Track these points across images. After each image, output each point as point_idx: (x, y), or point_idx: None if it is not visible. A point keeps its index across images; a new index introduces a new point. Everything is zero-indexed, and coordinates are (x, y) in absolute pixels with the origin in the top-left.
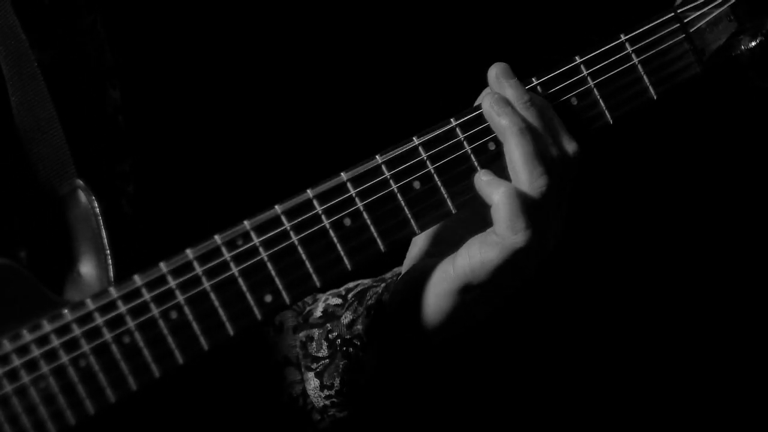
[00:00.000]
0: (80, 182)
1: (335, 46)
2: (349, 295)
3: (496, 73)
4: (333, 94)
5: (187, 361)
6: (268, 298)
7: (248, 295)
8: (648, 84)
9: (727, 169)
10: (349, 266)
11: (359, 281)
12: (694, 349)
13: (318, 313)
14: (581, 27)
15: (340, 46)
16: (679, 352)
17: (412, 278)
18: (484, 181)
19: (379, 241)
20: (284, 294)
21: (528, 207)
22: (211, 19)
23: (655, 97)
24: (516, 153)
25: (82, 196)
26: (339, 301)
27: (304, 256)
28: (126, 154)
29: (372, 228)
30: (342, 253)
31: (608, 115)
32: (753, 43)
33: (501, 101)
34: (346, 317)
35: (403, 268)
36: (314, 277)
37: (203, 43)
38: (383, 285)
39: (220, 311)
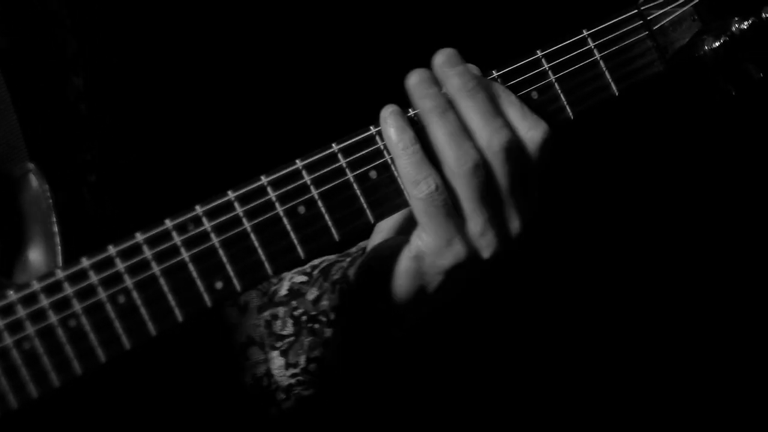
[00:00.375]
0: (32, 165)
1: (289, 33)
2: (315, 272)
3: (441, 61)
4: (293, 81)
5: (135, 346)
6: (219, 285)
7: (198, 281)
8: (610, 80)
9: (692, 168)
10: (302, 254)
11: (324, 257)
12: (682, 347)
13: (283, 291)
14: (544, 22)
15: (293, 34)
16: (668, 349)
17: (377, 254)
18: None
19: (333, 230)
20: (235, 281)
21: (469, 192)
22: (177, 11)
23: (617, 94)
24: (439, 132)
25: (34, 180)
26: (304, 278)
27: (256, 243)
28: (89, 143)
29: (326, 216)
30: (295, 241)
31: (569, 110)
32: (716, 44)
33: (425, 81)
34: (312, 293)
35: (370, 242)
36: (266, 264)
37: (170, 35)
38: (348, 260)
39: (169, 296)
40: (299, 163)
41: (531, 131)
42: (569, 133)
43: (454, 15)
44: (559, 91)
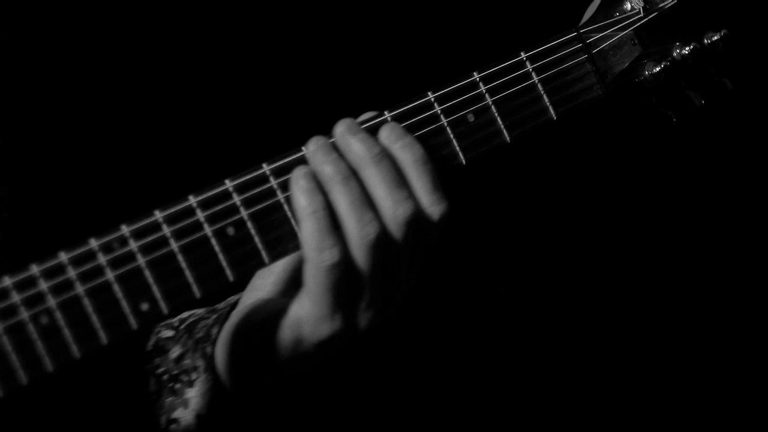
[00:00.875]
0: None
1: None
2: (181, 327)
3: (341, 129)
4: (219, 95)
5: (57, 369)
6: (145, 307)
7: (123, 302)
8: (548, 104)
9: (630, 197)
10: (231, 277)
11: (194, 311)
12: (667, 345)
13: (149, 346)
14: (480, 44)
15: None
16: (654, 347)
17: (248, 318)
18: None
19: (263, 252)
20: (162, 303)
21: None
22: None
23: (555, 118)
24: (341, 201)
25: None
26: (171, 333)
27: (183, 264)
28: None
29: (256, 238)
30: (224, 263)
31: (506, 134)
32: (657, 69)
33: (324, 147)
34: (175, 351)
35: (242, 298)
36: (194, 286)
37: (83, 66)
38: (214, 317)
39: (94, 317)
40: (229, 184)
41: (434, 207)
42: (507, 155)
43: (395, 36)
44: (496, 114)
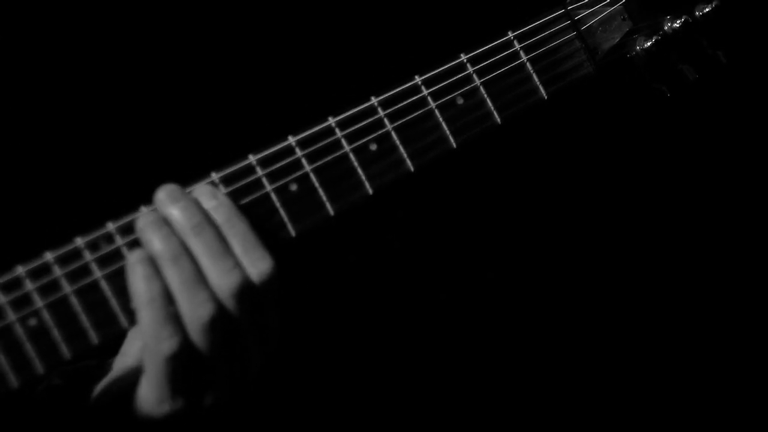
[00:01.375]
0: None
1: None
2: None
3: (161, 197)
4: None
5: (23, 385)
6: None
7: (113, 301)
8: (538, 83)
9: (627, 174)
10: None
11: (87, 361)
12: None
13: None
14: (467, 25)
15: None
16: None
17: (109, 380)
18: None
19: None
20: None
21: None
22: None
23: (545, 97)
24: (172, 281)
25: None
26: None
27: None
28: None
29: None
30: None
31: (496, 116)
32: (648, 44)
33: (152, 224)
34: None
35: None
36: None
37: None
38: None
39: (83, 317)
40: (214, 176)
41: (253, 268)
42: (495, 138)
43: (374, 17)
44: (485, 96)
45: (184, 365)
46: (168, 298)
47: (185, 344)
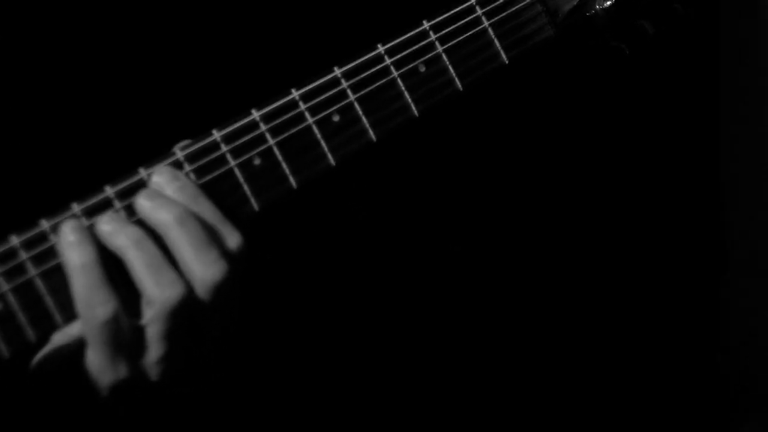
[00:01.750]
0: None
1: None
2: None
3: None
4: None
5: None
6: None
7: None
8: (499, 48)
9: (587, 139)
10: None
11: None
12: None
13: None
14: None
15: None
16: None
17: (52, 356)
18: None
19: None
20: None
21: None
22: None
23: (506, 62)
24: (137, 264)
25: None
26: None
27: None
28: None
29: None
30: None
31: (458, 82)
32: (608, 2)
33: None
34: None
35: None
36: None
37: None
38: None
39: (48, 299)
40: (180, 154)
41: (231, 237)
42: (457, 106)
43: None
44: (448, 63)
45: (119, 338)
46: (101, 265)
47: (123, 314)
